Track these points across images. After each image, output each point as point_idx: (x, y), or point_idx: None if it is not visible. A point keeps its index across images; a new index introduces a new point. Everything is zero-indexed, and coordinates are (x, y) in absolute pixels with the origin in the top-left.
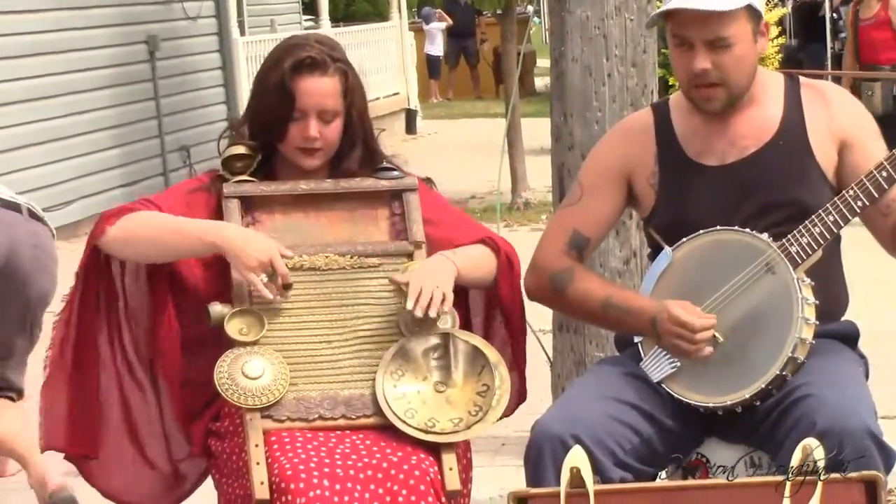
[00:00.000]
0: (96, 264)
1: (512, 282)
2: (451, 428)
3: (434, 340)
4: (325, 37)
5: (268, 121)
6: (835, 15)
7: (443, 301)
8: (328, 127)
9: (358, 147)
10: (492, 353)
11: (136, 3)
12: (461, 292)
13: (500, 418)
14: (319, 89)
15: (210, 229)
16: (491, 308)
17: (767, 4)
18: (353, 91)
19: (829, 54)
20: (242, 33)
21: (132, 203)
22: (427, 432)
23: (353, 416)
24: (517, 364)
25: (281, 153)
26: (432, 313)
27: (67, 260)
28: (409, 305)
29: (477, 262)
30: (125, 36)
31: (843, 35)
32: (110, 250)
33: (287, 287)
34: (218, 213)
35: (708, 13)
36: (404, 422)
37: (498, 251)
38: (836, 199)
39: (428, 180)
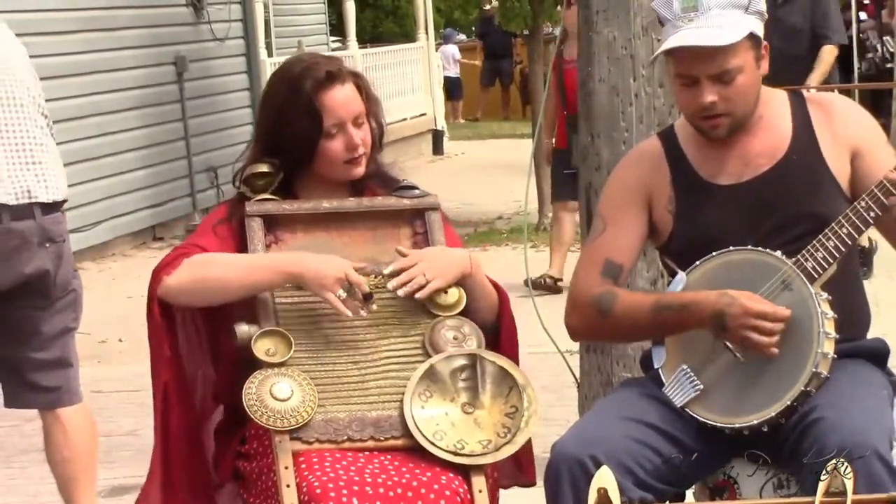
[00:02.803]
0: (163, 316)
1: (511, 319)
2: (481, 450)
3: (461, 361)
4: (315, 53)
5: (298, 145)
6: (862, 35)
7: (422, 289)
8: (363, 130)
9: (374, 147)
10: (519, 375)
11: (165, 24)
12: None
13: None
14: (346, 97)
15: (284, 260)
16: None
17: None
18: (367, 90)
19: (855, 74)
20: (270, 54)
21: (177, 250)
22: (456, 454)
23: (382, 438)
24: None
25: (308, 174)
26: (400, 293)
27: (95, 279)
28: (386, 271)
29: (489, 290)
30: (154, 57)
31: (869, 55)
32: (176, 300)
33: (368, 297)
34: (244, 238)
35: (711, 49)
36: (433, 444)
37: (503, 307)
38: (848, 211)
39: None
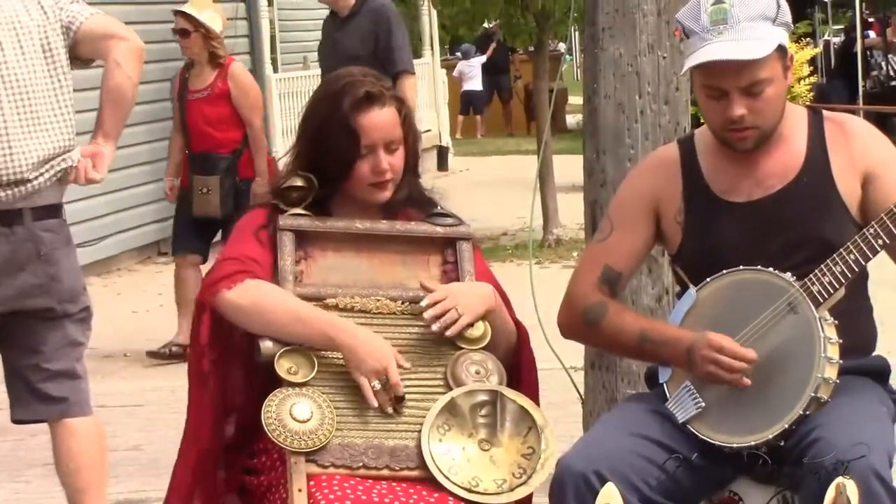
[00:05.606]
0: (215, 327)
1: (531, 359)
2: (495, 489)
3: (482, 397)
4: (367, 69)
5: (334, 163)
6: (868, 53)
7: (453, 324)
8: (394, 156)
9: (409, 173)
10: (539, 416)
11: (173, 39)
12: None
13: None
14: (383, 121)
15: (333, 327)
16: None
17: (799, 43)
18: (408, 117)
19: (860, 92)
20: (276, 70)
21: (234, 263)
22: (471, 491)
23: (397, 468)
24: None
25: (341, 192)
26: (434, 327)
27: (100, 293)
28: (423, 303)
29: (508, 327)
30: (161, 72)
31: (874, 73)
32: (228, 315)
33: (399, 399)
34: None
35: (743, 62)
36: (448, 478)
37: (522, 342)
38: (856, 237)
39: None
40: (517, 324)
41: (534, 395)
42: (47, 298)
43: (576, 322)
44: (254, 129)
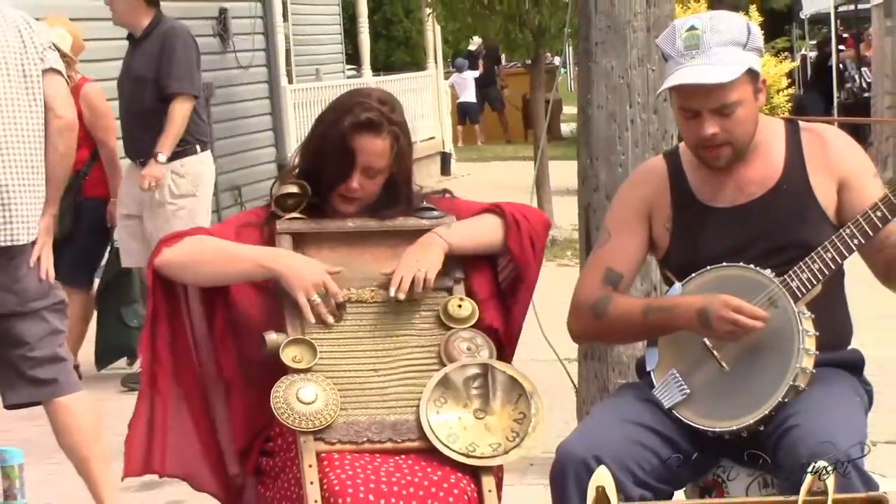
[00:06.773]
0: (163, 287)
1: (520, 240)
2: (491, 452)
3: (474, 370)
4: (387, 95)
5: (326, 175)
6: (841, 66)
7: (425, 284)
8: (371, 181)
9: (400, 203)
10: (527, 383)
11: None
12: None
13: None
14: (371, 149)
15: (264, 254)
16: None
17: (778, 57)
18: (402, 154)
19: (834, 103)
20: (290, 81)
21: (188, 230)
22: (468, 456)
23: (399, 440)
24: (521, 309)
25: (331, 199)
26: (401, 296)
27: None
28: (392, 293)
29: (480, 229)
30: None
31: (847, 85)
32: (168, 272)
33: (340, 306)
34: (268, 246)
35: (712, 85)
36: (447, 446)
37: (503, 214)
38: (833, 237)
39: (445, 191)
40: (495, 208)
41: (526, 250)
42: (13, 304)
43: (586, 322)
44: (108, 150)
